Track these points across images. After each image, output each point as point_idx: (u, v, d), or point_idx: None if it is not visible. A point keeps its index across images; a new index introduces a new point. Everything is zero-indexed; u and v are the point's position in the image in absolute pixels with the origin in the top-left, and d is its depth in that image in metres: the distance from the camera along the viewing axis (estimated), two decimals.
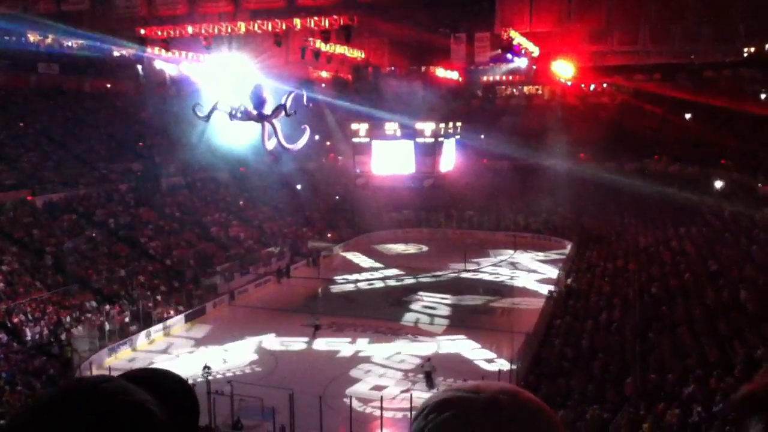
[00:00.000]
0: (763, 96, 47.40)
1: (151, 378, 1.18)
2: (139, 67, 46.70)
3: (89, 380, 1.04)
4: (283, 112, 17.60)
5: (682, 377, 15.43)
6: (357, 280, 34.21)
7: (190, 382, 17.55)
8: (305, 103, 18.27)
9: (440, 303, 29.66)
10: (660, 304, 21.61)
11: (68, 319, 23.93)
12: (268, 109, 17.93)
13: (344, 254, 40.29)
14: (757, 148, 40.09)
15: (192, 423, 1.19)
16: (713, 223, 31.37)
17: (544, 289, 29.42)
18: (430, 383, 19.78)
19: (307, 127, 19.26)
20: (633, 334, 19.35)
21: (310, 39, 29.38)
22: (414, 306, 29.30)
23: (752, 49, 42.28)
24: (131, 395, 1.02)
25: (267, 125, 18.11)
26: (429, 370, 20.33)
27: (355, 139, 34.87)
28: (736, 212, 31.74)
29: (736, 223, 29.68)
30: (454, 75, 55.33)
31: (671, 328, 19.03)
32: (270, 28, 25.54)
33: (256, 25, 26.38)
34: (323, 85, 55.60)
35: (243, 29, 26.09)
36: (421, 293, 31.04)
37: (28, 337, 22.40)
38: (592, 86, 57.20)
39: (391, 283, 33.33)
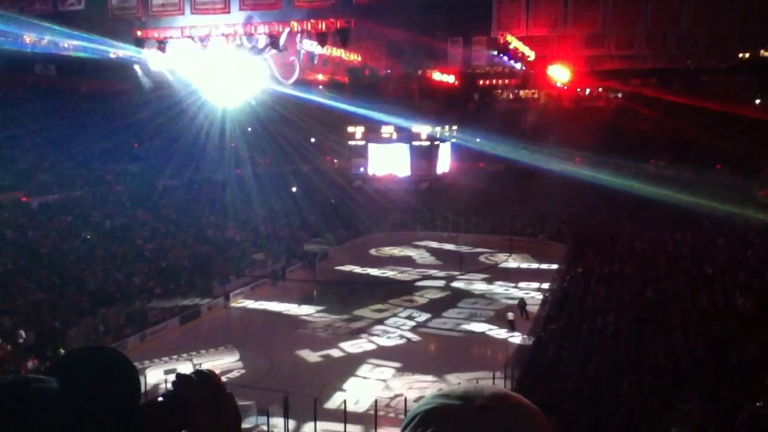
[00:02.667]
0: (758, 101, 47.66)
1: (77, 360, 1.15)
2: (137, 67, 46.62)
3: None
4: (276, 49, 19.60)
5: (678, 382, 15.44)
6: (353, 282, 34.21)
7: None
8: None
9: (436, 305, 29.67)
10: (655, 308, 21.65)
11: (62, 321, 23.83)
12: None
13: (340, 256, 40.26)
14: (752, 152, 40.28)
15: (127, 398, 1.14)
16: (709, 227, 31.47)
17: (540, 293, 29.48)
18: (517, 321, 24.56)
19: (296, 59, 20.67)
20: (628, 337, 19.37)
21: (306, 41, 29.38)
22: (410, 308, 29.28)
23: (747, 55, 42.44)
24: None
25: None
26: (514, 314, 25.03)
27: (351, 142, 34.92)
28: (732, 216, 31.85)
29: (732, 228, 29.78)
30: (450, 78, 55.41)
31: (666, 332, 19.06)
32: (267, 30, 25.50)
33: (253, 27, 26.34)
34: (320, 87, 55.57)
35: (240, 31, 26.04)
36: (416, 295, 31.04)
37: (22, 339, 22.29)
38: (588, 90, 57.41)
39: (387, 285, 33.32)
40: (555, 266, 34.38)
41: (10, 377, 1.06)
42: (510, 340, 23.81)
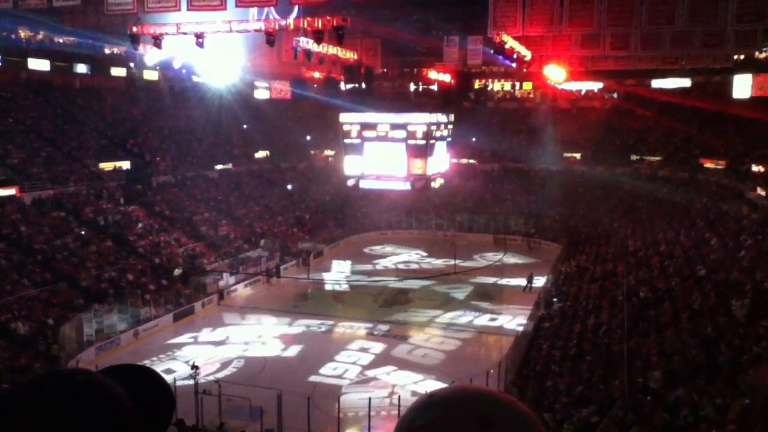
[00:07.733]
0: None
1: (126, 373, 1.19)
2: (132, 64, 46.53)
3: (65, 371, 1.05)
4: None
5: (670, 380, 15.52)
6: (347, 281, 34.23)
7: (178, 381, 17.42)
8: None
9: (430, 304, 29.69)
10: (648, 307, 21.74)
11: (55, 317, 23.73)
12: None
13: (334, 254, 40.24)
14: (745, 152, 40.46)
15: (166, 416, 1.20)
16: (701, 226, 31.58)
17: (533, 292, 29.57)
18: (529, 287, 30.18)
19: None
20: (620, 336, 19.45)
21: (302, 39, 29.29)
22: (403, 307, 29.32)
23: (741, 57, 42.61)
24: (105, 388, 1.04)
25: None
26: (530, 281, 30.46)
27: (346, 140, 34.76)
28: (725, 216, 31.96)
29: (725, 227, 29.88)
30: (446, 77, 55.44)
31: (658, 331, 19.14)
32: (263, 27, 25.42)
33: (248, 25, 26.25)
34: (315, 85, 55.50)
35: (236, 28, 25.93)
36: (410, 294, 31.08)
37: (22, 331, 22.23)
38: (583, 90, 57.56)
39: (381, 284, 33.32)
40: (549, 265, 34.46)
41: (84, 374, 1.08)
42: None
